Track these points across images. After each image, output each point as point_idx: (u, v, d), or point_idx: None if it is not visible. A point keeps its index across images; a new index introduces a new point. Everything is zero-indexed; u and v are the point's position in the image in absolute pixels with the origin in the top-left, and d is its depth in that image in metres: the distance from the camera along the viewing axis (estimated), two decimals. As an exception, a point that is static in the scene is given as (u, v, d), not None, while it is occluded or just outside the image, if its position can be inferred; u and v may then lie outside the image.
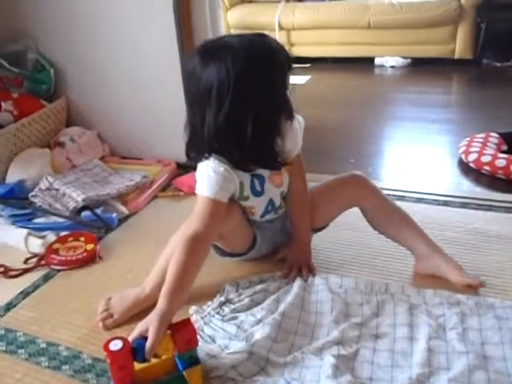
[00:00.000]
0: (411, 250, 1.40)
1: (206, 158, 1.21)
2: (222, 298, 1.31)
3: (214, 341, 1.17)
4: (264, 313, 1.22)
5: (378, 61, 3.99)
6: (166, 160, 2.16)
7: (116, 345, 0.97)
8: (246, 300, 1.29)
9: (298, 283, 1.33)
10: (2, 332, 1.30)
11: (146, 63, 2.06)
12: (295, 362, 1.09)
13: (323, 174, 2.05)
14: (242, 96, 1.11)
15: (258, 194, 1.32)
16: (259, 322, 1.19)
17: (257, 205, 1.34)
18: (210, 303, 1.31)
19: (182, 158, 2.12)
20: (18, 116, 2.12)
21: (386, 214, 1.42)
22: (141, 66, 2.08)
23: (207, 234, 1.16)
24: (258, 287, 1.33)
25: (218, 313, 1.26)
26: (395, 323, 1.19)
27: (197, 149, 1.24)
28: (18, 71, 2.27)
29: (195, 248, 1.13)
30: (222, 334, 1.19)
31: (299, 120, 1.34)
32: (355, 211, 1.46)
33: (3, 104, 2.12)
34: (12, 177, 2.00)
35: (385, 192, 1.84)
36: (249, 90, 1.12)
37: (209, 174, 1.19)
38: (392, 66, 3.92)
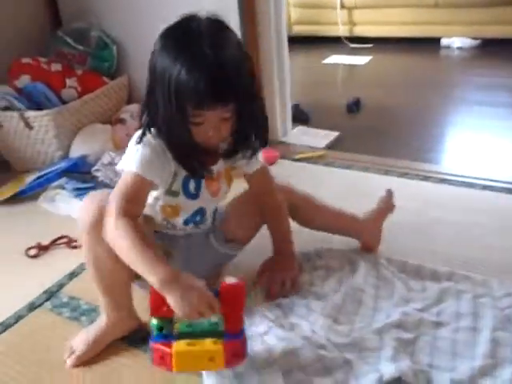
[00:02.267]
0: (346, 233, 1.40)
1: (149, 131, 1.05)
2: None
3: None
4: (327, 291, 1.22)
5: (444, 41, 3.82)
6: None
7: (231, 280, 0.97)
8: (308, 275, 1.29)
9: (362, 264, 1.30)
10: (66, 300, 1.35)
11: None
12: (355, 343, 1.07)
13: (385, 158, 2.01)
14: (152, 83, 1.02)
15: (190, 195, 1.15)
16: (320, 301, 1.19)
17: (184, 207, 1.17)
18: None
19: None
20: (82, 92, 2.18)
21: (305, 205, 1.35)
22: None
23: (126, 216, 0.99)
24: (319, 262, 1.33)
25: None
26: (458, 312, 1.15)
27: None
28: (81, 48, 2.33)
29: (131, 224, 0.97)
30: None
31: None
32: (419, 198, 1.41)
33: (67, 80, 2.17)
34: (75, 151, 2.05)
35: (448, 178, 1.80)
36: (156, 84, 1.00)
37: (142, 149, 1.04)
38: (459, 47, 3.75)
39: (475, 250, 1.38)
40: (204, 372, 1.01)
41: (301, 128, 2.39)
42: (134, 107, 2.28)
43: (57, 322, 1.28)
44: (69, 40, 2.33)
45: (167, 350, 0.93)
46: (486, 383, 0.97)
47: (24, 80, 2.12)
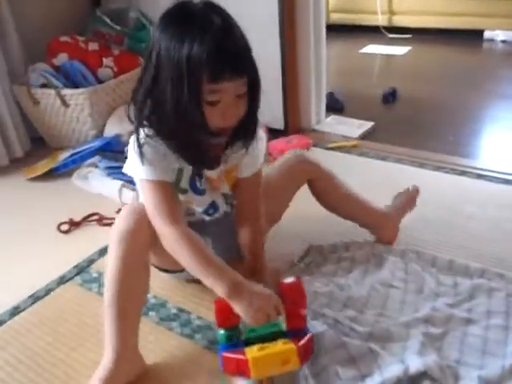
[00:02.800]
0: (365, 225, 1.38)
1: (143, 131, 1.01)
2: (309, 259, 1.30)
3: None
4: (350, 283, 1.20)
5: (487, 34, 3.71)
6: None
7: (289, 279, 0.98)
8: (333, 266, 1.27)
9: (389, 258, 1.28)
10: (96, 275, 1.38)
11: (246, 31, 2.03)
12: (381, 334, 1.06)
13: (420, 151, 1.96)
14: (159, 70, 0.94)
15: (198, 191, 1.13)
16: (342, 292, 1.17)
17: (196, 202, 1.15)
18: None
19: (274, 124, 2.12)
20: (118, 72, 2.19)
21: (334, 189, 1.33)
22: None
23: (175, 222, 0.99)
24: (344, 254, 1.31)
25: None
26: (490, 309, 1.12)
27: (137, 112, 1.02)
28: (119, 29, 2.34)
29: (186, 233, 0.98)
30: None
31: (260, 136, 1.14)
32: (454, 193, 1.37)
33: (104, 60, 2.19)
34: (109, 131, 2.07)
35: (484, 173, 1.75)
36: (165, 69, 0.93)
37: (147, 153, 0.99)
38: (503, 41, 3.63)
39: (510, 248, 1.34)
40: None
41: (335, 117, 2.36)
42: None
43: (86, 296, 1.30)
44: (107, 20, 2.35)
45: (242, 357, 0.91)
46: (515, 383, 0.95)
47: (62, 58, 2.14)
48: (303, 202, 1.33)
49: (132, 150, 1.02)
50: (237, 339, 0.96)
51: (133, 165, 1.03)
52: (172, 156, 1.03)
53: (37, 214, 1.72)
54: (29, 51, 2.17)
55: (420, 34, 3.83)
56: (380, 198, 1.40)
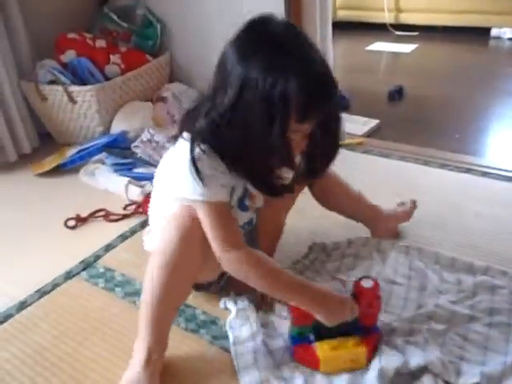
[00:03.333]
0: (361, 218, 1.37)
1: (199, 147, 0.94)
2: (314, 256, 1.32)
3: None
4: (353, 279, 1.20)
5: (494, 32, 3.69)
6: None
7: (367, 283, 1.01)
8: (336, 262, 1.28)
9: (393, 254, 1.29)
10: (102, 270, 1.39)
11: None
12: (383, 329, 1.06)
13: (425, 148, 1.96)
14: (238, 97, 0.88)
15: (244, 208, 1.09)
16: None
17: (239, 218, 1.08)
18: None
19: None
20: (125, 69, 2.20)
21: (335, 188, 1.32)
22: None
23: (238, 244, 0.99)
24: (347, 251, 1.32)
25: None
26: (493, 307, 1.12)
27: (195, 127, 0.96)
28: (126, 26, 2.35)
29: (254, 260, 0.99)
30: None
31: None
32: (459, 190, 1.37)
33: (111, 57, 2.20)
34: (116, 127, 2.09)
35: (490, 171, 1.75)
36: (246, 98, 0.88)
37: (205, 173, 0.94)
38: (510, 39, 3.62)
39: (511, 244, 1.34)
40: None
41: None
42: (176, 86, 2.30)
43: (92, 291, 1.31)
44: (114, 17, 2.36)
45: (313, 353, 1.00)
46: (517, 380, 0.95)
47: (69, 55, 2.16)
48: (307, 200, 1.33)
49: (185, 169, 0.93)
50: (308, 335, 1.02)
51: (181, 184, 0.96)
52: (228, 174, 0.97)
53: (44, 210, 1.73)
54: (37, 47, 2.18)
55: (427, 32, 3.82)
56: (383, 196, 1.40)
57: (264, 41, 0.88)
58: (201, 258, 1.01)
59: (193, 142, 0.94)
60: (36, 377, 1.06)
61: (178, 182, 0.98)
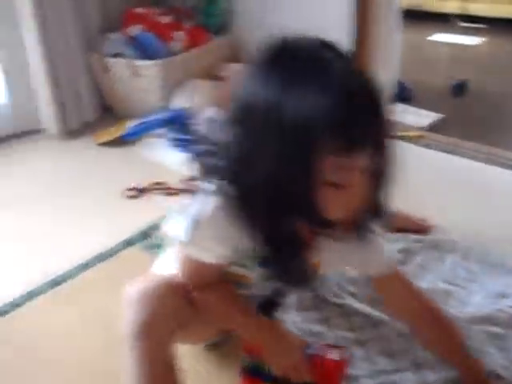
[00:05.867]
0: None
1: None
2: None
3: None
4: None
5: None
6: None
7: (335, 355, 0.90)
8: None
9: (450, 257, 1.28)
10: (160, 241, 1.41)
11: (320, 10, 2.04)
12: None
13: (489, 146, 1.89)
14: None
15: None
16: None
17: (253, 275, 0.89)
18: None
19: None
20: (188, 46, 2.22)
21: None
22: (313, 14, 2.06)
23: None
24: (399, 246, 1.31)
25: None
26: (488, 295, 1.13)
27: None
28: (192, 3, 2.37)
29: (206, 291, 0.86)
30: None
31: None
32: None
33: (175, 34, 2.22)
34: (177, 103, 2.11)
35: None
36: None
37: (203, 226, 0.77)
38: None
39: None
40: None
41: (401, 106, 2.31)
42: (237, 66, 2.31)
43: (149, 260, 1.34)
44: (180, -6, 2.38)
45: None
46: None
47: (136, 29, 2.19)
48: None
49: (188, 214, 0.78)
50: (261, 370, 0.91)
51: (182, 228, 0.78)
52: (238, 234, 0.75)
53: (103, 181, 1.78)
54: (105, 21, 2.23)
55: (496, 25, 3.64)
56: (439, 192, 1.35)
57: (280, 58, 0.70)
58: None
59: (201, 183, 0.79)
60: (96, 334, 1.12)
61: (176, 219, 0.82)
